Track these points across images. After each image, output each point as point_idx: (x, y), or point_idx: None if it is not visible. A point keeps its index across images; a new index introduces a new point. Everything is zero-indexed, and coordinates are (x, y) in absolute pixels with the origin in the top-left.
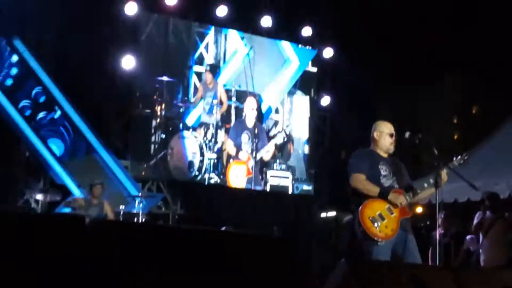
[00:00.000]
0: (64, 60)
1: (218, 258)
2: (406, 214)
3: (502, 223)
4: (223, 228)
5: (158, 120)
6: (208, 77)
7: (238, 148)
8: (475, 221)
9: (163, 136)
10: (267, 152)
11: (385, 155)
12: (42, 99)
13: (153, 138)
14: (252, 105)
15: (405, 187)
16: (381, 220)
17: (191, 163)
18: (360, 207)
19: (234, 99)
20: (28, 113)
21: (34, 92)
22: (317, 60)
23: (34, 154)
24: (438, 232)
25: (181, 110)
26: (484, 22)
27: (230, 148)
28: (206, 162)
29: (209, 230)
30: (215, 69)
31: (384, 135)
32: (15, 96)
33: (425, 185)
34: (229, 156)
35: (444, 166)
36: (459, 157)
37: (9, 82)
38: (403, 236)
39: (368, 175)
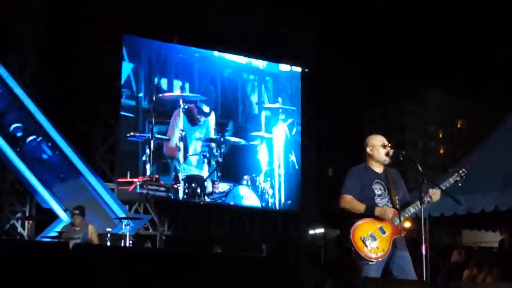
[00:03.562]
0: (48, 85)
1: (209, 281)
2: (399, 233)
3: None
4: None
5: (144, 142)
6: None
7: None
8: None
9: (149, 157)
10: None
11: (380, 170)
12: (27, 124)
13: (139, 160)
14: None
15: (398, 208)
16: (372, 240)
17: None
18: (352, 227)
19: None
20: (13, 139)
21: (19, 118)
22: (301, 79)
23: (20, 180)
24: (425, 246)
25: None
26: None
27: None
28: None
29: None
30: None
31: (377, 147)
32: (0, 122)
33: (412, 210)
34: None
35: (428, 182)
36: (455, 174)
37: None
38: (392, 253)
39: (361, 197)
